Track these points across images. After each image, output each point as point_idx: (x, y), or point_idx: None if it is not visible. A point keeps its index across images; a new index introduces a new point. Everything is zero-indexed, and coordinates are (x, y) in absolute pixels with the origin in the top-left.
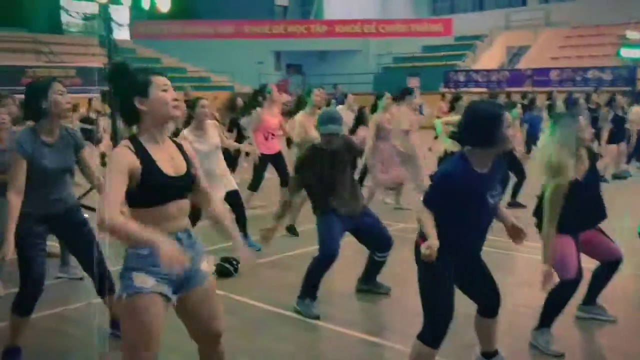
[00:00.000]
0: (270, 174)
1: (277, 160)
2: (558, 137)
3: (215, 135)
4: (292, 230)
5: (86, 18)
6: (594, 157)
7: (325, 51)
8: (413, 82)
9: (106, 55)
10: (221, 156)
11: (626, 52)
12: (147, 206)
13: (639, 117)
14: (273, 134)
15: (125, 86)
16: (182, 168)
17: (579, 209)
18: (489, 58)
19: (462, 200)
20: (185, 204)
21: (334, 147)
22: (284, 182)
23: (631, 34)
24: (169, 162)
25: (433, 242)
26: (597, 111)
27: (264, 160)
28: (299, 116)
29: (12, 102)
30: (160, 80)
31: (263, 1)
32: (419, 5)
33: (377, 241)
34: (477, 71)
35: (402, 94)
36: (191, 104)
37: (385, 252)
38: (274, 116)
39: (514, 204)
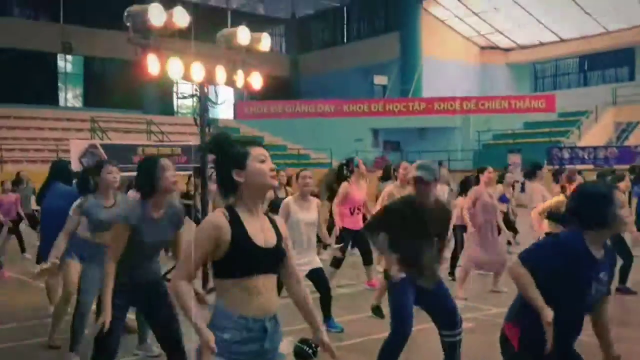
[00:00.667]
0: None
1: (359, 237)
2: None
3: (315, 210)
4: (377, 311)
5: (184, 97)
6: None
7: (423, 128)
8: (514, 159)
9: (201, 133)
10: (314, 234)
11: None
12: (234, 276)
13: None
14: (359, 209)
15: (223, 159)
16: (272, 240)
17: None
18: (595, 134)
19: (567, 279)
20: (273, 279)
21: (428, 204)
22: (367, 260)
23: None
24: (260, 233)
25: (549, 314)
26: None
27: (347, 236)
28: (389, 187)
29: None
30: (257, 151)
31: (363, 81)
32: (521, 81)
33: (442, 316)
34: (582, 148)
35: (532, 170)
36: (296, 177)
37: (453, 330)
38: (360, 190)
39: (623, 289)
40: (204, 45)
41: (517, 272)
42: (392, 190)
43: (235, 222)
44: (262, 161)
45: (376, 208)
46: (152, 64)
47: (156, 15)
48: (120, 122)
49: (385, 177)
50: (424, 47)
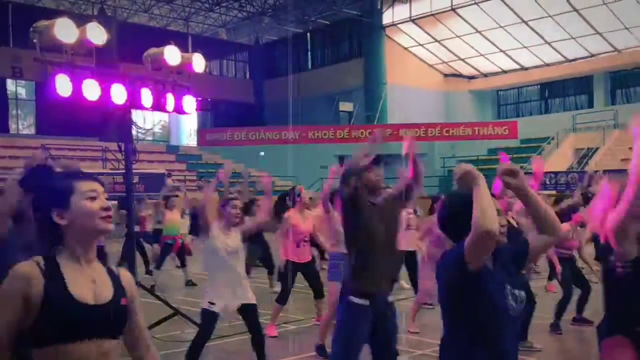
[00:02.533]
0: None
1: (308, 269)
2: None
3: (238, 239)
4: (321, 350)
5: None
6: None
7: (389, 154)
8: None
9: (125, 161)
10: (241, 264)
11: None
12: (52, 343)
13: None
14: (305, 240)
15: (41, 195)
16: (105, 295)
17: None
18: (556, 160)
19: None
20: (111, 346)
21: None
22: (318, 294)
23: None
24: (87, 286)
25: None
26: None
27: (293, 270)
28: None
29: None
30: (85, 186)
31: (328, 107)
32: (484, 108)
33: (382, 349)
34: (544, 173)
35: (492, 196)
36: (222, 203)
37: None
38: (305, 220)
39: (579, 319)
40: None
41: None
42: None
43: (52, 272)
44: (92, 198)
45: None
46: (62, 86)
47: (64, 32)
48: (74, 150)
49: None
50: (388, 74)
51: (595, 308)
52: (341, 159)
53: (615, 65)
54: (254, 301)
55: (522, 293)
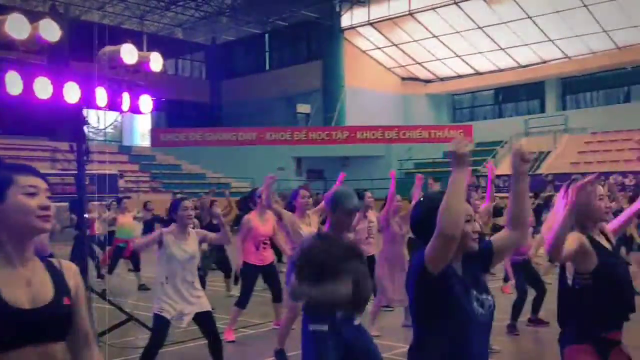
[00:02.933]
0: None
1: (268, 272)
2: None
3: (194, 243)
4: (280, 355)
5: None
6: (611, 242)
7: (347, 157)
8: (435, 187)
9: (78, 161)
10: (195, 269)
11: None
12: None
13: None
14: (265, 243)
15: None
16: (44, 296)
17: (602, 302)
18: (510, 163)
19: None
20: (55, 349)
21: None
22: (277, 297)
23: None
24: (22, 288)
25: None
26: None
27: (254, 273)
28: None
29: None
30: (25, 181)
31: (286, 109)
32: (440, 112)
33: None
34: (498, 176)
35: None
36: (173, 206)
37: None
38: (265, 223)
39: (534, 320)
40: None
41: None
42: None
43: None
44: (31, 194)
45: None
46: (12, 83)
47: (16, 27)
48: (21, 150)
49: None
50: (347, 76)
51: (550, 309)
52: (298, 160)
53: (566, 71)
54: (208, 308)
55: (490, 298)
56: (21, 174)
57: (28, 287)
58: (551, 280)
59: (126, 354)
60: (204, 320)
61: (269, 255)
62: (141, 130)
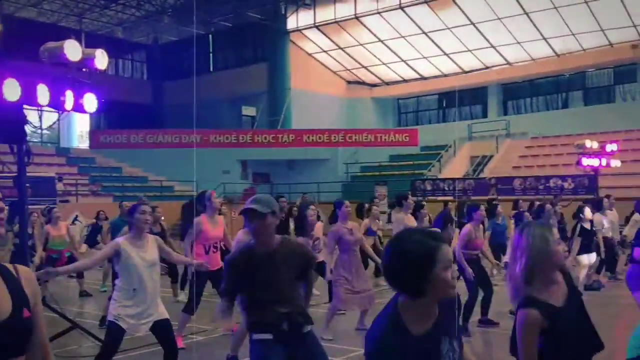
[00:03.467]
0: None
1: (217, 277)
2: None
3: (154, 249)
4: None
5: None
6: (570, 277)
7: (293, 160)
8: (381, 191)
9: (18, 163)
10: (157, 276)
11: (586, 161)
12: None
13: (600, 225)
14: (215, 247)
15: None
16: (2, 309)
17: (563, 345)
18: (454, 167)
19: None
20: None
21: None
22: None
23: (590, 144)
24: None
25: None
26: (563, 222)
27: (203, 277)
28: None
29: None
30: None
31: (230, 112)
32: (385, 116)
33: None
34: (443, 180)
35: (397, 200)
36: (130, 211)
37: None
38: (216, 226)
39: (485, 321)
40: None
41: None
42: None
43: None
44: None
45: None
46: None
47: None
48: None
49: None
50: (293, 79)
51: (498, 309)
52: (244, 163)
53: (507, 77)
54: (166, 316)
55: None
56: None
57: None
58: (498, 282)
59: None
60: (162, 329)
61: (217, 260)
62: (79, 131)
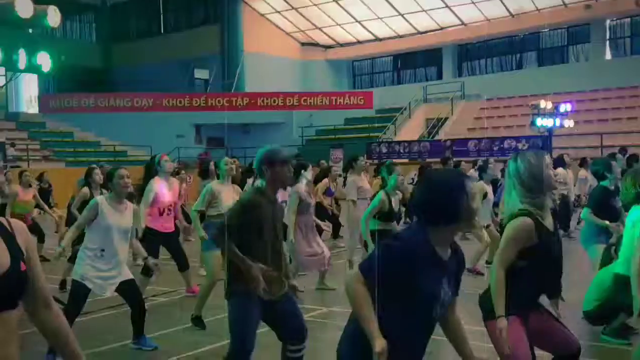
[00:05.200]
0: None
1: (171, 240)
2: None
3: (130, 216)
4: (198, 321)
5: None
6: (555, 215)
7: (247, 124)
8: (337, 154)
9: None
10: (127, 242)
11: (540, 122)
12: None
13: (564, 179)
14: (170, 209)
15: None
16: (2, 264)
17: (534, 280)
18: (409, 130)
19: (413, 285)
20: (11, 318)
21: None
22: (183, 265)
23: (544, 104)
24: None
25: (380, 344)
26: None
27: (156, 239)
28: (214, 184)
29: None
30: None
31: (182, 75)
32: (340, 78)
33: (291, 331)
34: (398, 142)
35: (349, 163)
36: (108, 175)
37: (300, 345)
38: (169, 190)
39: (470, 270)
40: None
41: (353, 288)
42: (214, 187)
43: None
44: None
45: (191, 206)
46: None
47: None
48: None
49: (205, 174)
50: (246, 41)
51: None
52: (197, 128)
53: (462, 38)
54: (131, 276)
55: None
56: None
57: None
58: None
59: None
60: (128, 289)
61: (171, 222)
62: (28, 96)
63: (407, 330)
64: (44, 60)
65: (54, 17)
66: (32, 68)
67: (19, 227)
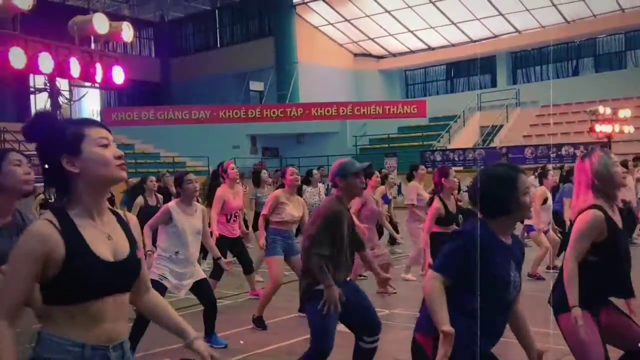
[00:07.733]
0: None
1: (237, 245)
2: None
3: (200, 218)
4: (260, 322)
5: (34, 92)
6: (621, 214)
7: (301, 134)
8: (390, 163)
9: None
10: (199, 244)
11: (600, 128)
12: (72, 302)
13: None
14: (236, 216)
15: (48, 142)
16: (123, 250)
17: (605, 275)
18: (464, 137)
19: (485, 269)
20: (125, 300)
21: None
22: (248, 269)
23: (604, 110)
24: (105, 243)
25: (448, 329)
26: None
27: (224, 244)
28: (276, 192)
29: None
30: (97, 133)
31: (238, 87)
32: (392, 88)
33: (366, 323)
34: (453, 150)
35: (410, 171)
36: (177, 180)
37: (375, 336)
38: (236, 196)
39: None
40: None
41: (430, 285)
42: (280, 195)
43: (69, 230)
44: (104, 145)
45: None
46: None
47: None
48: None
49: (257, 183)
50: (299, 53)
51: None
52: (253, 138)
53: (516, 45)
54: (204, 276)
55: None
56: (90, 127)
57: (109, 241)
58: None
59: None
60: (202, 288)
61: (236, 228)
62: (90, 110)
63: (487, 314)
64: (118, 75)
65: (127, 32)
66: (107, 81)
67: (132, 219)
